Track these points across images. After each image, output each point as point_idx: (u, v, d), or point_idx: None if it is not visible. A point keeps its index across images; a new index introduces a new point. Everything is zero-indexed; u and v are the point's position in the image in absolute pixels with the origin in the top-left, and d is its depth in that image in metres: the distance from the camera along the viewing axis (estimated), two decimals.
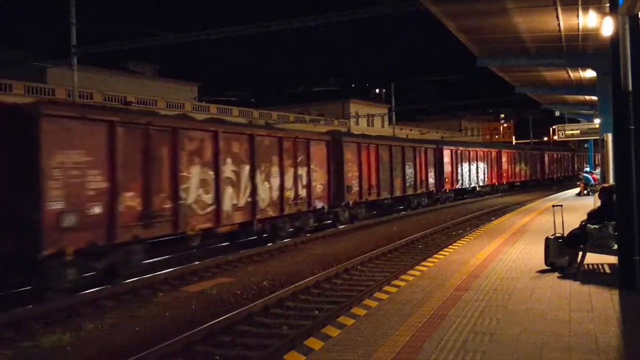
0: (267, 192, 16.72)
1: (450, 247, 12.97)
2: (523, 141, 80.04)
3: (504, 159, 43.05)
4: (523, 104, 76.37)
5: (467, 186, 36.10)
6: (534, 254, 10.58)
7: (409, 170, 27.76)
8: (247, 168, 15.87)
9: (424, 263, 11.35)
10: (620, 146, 7.62)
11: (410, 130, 77.94)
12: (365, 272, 13.33)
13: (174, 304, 10.62)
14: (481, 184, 38.73)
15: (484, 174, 39.19)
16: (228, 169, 15.07)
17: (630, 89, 7.31)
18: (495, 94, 65.24)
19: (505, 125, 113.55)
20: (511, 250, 11.39)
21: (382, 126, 72.45)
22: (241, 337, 8.51)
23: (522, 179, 47.81)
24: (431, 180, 30.62)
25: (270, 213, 16.91)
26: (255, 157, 16.11)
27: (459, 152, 34.82)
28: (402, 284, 9.03)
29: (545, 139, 78.62)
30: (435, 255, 12.12)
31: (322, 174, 20.00)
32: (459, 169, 34.75)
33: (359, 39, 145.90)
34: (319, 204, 19.64)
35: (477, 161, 37.94)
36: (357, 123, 64.61)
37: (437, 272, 9.34)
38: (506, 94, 44.62)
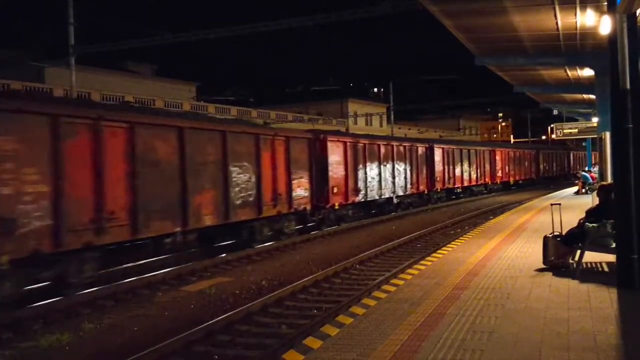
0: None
1: (449, 245, 12.98)
2: (521, 140, 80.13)
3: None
4: (521, 103, 76.46)
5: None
6: (532, 252, 10.58)
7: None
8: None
9: (422, 262, 11.35)
10: (618, 145, 7.63)
11: (409, 129, 77.95)
12: (364, 271, 13.33)
13: (173, 304, 10.62)
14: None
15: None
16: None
17: (628, 87, 7.32)
18: (493, 93, 65.35)
19: (503, 124, 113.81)
20: (510, 249, 11.40)
21: (381, 125, 72.43)
22: (240, 337, 8.52)
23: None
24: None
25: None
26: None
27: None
28: (401, 282, 9.04)
29: (544, 137, 78.67)
30: (433, 254, 12.12)
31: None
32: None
33: (358, 38, 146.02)
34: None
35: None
36: (355, 122, 64.59)
37: (435, 271, 9.34)
38: (505, 93, 44.70)
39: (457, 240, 13.74)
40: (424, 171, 30.12)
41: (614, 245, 8.00)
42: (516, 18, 15.65)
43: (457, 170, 34.84)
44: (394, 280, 10.38)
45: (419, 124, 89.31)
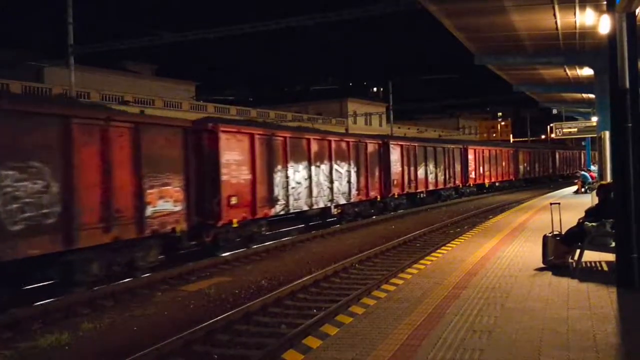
0: None
1: (448, 245, 12.97)
2: (520, 139, 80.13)
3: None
4: (521, 103, 76.56)
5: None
6: (531, 252, 10.57)
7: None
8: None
9: (422, 261, 11.35)
10: (617, 144, 7.62)
11: (408, 128, 77.94)
12: (363, 271, 13.33)
13: (172, 304, 10.62)
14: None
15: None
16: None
17: (628, 86, 7.31)
18: (493, 93, 65.39)
19: (502, 123, 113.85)
20: (509, 249, 11.39)
21: (380, 125, 72.43)
22: (239, 336, 8.52)
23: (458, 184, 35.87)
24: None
25: None
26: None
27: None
28: (401, 282, 9.03)
29: (543, 137, 78.69)
30: (433, 254, 12.11)
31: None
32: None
33: (357, 37, 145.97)
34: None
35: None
36: (355, 122, 64.59)
37: (435, 271, 9.34)
38: (504, 93, 44.64)
39: (456, 240, 13.73)
40: (377, 173, 24.91)
41: (613, 244, 8.00)
42: (515, 17, 15.65)
43: (421, 172, 29.88)
44: (394, 280, 10.37)
45: (419, 123, 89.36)
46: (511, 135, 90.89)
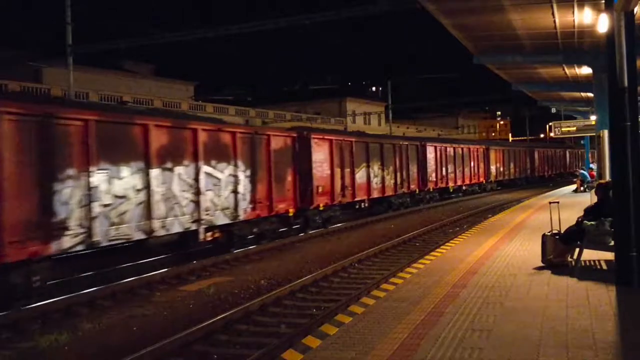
0: None
1: (448, 244, 12.98)
2: (519, 138, 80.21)
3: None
4: (520, 101, 76.63)
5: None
6: (531, 250, 10.59)
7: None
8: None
9: (421, 260, 11.36)
10: (616, 142, 7.63)
11: (407, 128, 77.92)
12: (362, 270, 13.33)
13: (172, 304, 10.61)
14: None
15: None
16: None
17: (626, 85, 7.32)
18: (492, 92, 65.36)
19: (501, 122, 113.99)
20: (508, 248, 11.40)
21: (379, 124, 72.43)
22: (239, 336, 8.52)
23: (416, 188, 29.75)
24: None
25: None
26: None
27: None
28: (400, 281, 9.04)
29: (542, 135, 78.73)
30: (432, 253, 12.13)
31: None
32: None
33: (356, 37, 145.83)
34: None
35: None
36: (354, 121, 64.57)
37: (434, 270, 9.34)
38: (503, 92, 44.57)
39: (455, 239, 13.75)
40: (288, 178, 18.35)
41: (612, 243, 8.01)
42: (514, 16, 15.63)
43: (361, 176, 23.33)
44: (393, 279, 10.37)
45: (418, 122, 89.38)
46: (510, 134, 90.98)
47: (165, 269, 13.25)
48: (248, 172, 16.30)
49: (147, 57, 60.16)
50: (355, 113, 66.06)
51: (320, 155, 20.26)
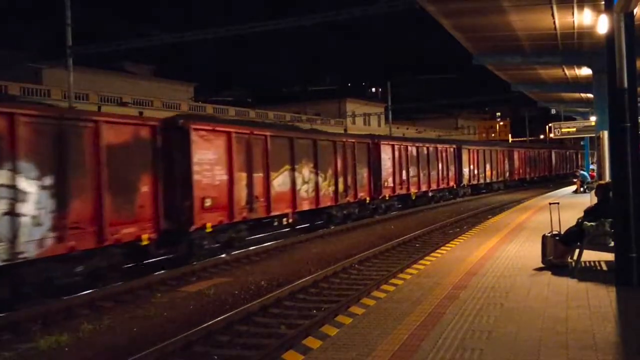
0: None
1: (448, 245, 12.99)
2: (519, 139, 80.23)
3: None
4: (520, 102, 76.58)
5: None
6: (531, 251, 10.59)
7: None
8: None
9: (421, 261, 11.37)
10: (616, 143, 7.64)
11: (407, 129, 77.93)
12: (363, 271, 13.34)
13: (172, 305, 10.62)
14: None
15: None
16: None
17: (626, 86, 7.33)
18: (491, 92, 65.30)
19: (501, 123, 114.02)
20: (508, 248, 11.41)
21: (379, 125, 72.44)
22: (239, 337, 8.52)
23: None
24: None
25: None
26: None
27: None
28: (400, 282, 9.04)
29: (542, 136, 78.74)
30: (432, 254, 12.13)
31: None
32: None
33: (356, 37, 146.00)
34: None
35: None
36: (353, 122, 64.60)
37: (434, 271, 9.35)
38: (503, 92, 44.46)
39: (456, 240, 13.75)
40: (143, 188, 12.63)
41: (612, 244, 8.02)
42: (514, 17, 15.66)
43: (281, 182, 17.87)
44: (393, 280, 10.37)
45: (417, 123, 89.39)
46: (510, 135, 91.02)
47: (166, 270, 13.23)
48: (47, 181, 10.46)
49: (147, 58, 60.01)
50: (355, 114, 66.07)
51: (208, 154, 14.50)
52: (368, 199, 24.11)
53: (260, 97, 76.09)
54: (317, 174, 20.02)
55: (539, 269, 8.99)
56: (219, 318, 9.03)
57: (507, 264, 9.62)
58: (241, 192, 15.80)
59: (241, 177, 15.82)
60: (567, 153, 65.82)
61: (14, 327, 9.10)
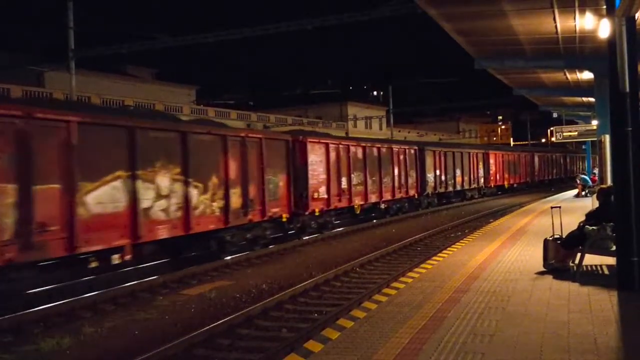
0: None
1: (449, 249, 12.98)
2: (520, 142, 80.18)
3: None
4: (521, 106, 76.45)
5: None
6: (532, 255, 10.59)
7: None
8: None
9: (423, 265, 11.36)
10: (617, 147, 7.64)
11: (408, 132, 77.93)
12: (364, 275, 13.33)
13: (174, 308, 10.62)
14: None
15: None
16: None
17: (628, 90, 7.33)
18: (493, 96, 65.30)
19: (503, 127, 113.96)
20: (510, 252, 11.40)
21: (380, 129, 72.49)
22: (240, 340, 8.52)
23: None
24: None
25: None
26: None
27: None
28: (402, 286, 9.04)
29: (543, 140, 78.66)
30: (434, 257, 12.13)
31: None
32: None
33: (357, 41, 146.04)
34: None
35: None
36: (355, 125, 64.62)
37: (436, 274, 9.35)
38: (504, 96, 44.38)
39: (457, 244, 13.75)
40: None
41: (614, 247, 8.02)
42: (515, 21, 15.66)
43: (112, 198, 11.56)
44: (395, 284, 10.37)
45: (419, 127, 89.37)
46: (511, 139, 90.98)
47: (167, 273, 13.24)
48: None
49: (149, 61, 60.26)
50: (357, 117, 66.09)
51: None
52: (286, 216, 17.97)
53: (262, 100, 76.12)
54: (194, 187, 13.84)
55: (541, 273, 8.98)
56: (220, 321, 9.03)
57: (509, 268, 9.62)
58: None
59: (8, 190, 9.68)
60: (554, 157, 58.24)
61: (16, 329, 9.11)
